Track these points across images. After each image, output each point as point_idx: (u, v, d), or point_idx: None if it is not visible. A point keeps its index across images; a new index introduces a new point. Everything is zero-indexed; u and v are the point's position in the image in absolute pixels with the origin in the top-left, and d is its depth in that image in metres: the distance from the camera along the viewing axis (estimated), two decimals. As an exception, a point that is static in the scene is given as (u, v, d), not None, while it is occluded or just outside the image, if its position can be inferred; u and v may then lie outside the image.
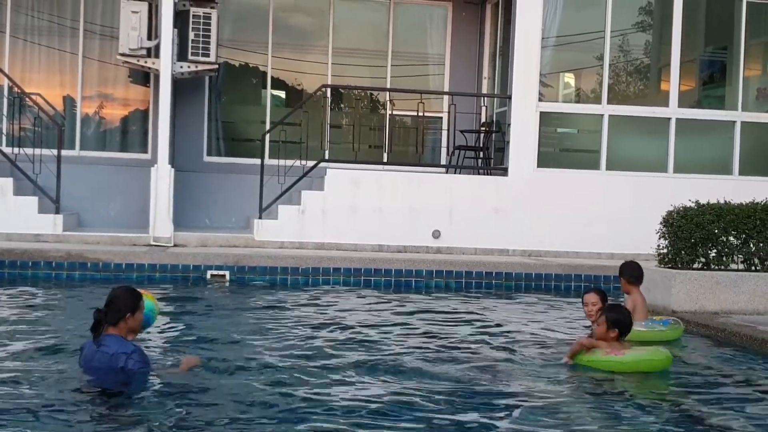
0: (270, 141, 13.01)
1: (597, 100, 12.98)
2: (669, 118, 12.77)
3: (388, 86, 14.04)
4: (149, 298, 5.74)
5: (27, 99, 12.39)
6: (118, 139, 13.95)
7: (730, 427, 4.66)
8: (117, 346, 4.99)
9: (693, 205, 8.51)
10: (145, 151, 13.61)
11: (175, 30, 11.79)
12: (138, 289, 5.37)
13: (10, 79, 12.39)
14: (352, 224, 12.02)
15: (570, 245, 12.25)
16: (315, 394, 5.03)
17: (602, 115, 12.69)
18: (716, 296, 8.09)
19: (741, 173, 12.81)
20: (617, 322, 5.90)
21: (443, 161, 13.75)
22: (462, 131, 13.05)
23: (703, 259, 8.38)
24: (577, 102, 13.73)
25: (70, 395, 4.79)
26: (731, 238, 8.37)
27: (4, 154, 11.87)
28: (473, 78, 14.46)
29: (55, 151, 11.74)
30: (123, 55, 12.07)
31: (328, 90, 13.45)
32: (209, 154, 13.89)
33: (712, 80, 14.04)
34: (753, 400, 5.34)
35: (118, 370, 4.94)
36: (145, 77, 13.66)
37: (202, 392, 4.92)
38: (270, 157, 12.63)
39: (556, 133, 13.37)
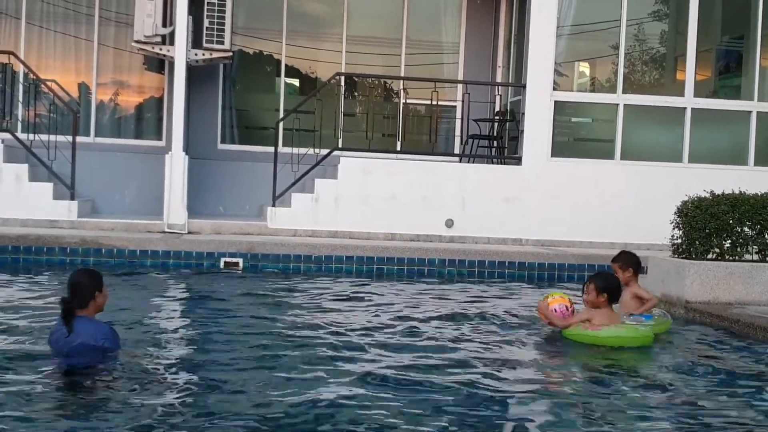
0: (284, 129, 13.02)
1: (612, 89, 12.92)
2: (684, 108, 12.70)
3: (402, 74, 14.01)
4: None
5: (42, 85, 12.45)
6: (132, 126, 14.00)
7: (741, 418, 4.67)
8: (92, 327, 5.13)
9: (707, 195, 8.46)
10: (160, 139, 13.65)
11: (190, 17, 11.80)
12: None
13: (25, 65, 12.44)
14: (365, 213, 12.03)
15: (584, 235, 12.23)
16: (315, 367, 5.14)
17: (617, 105, 12.64)
18: (730, 287, 8.05)
19: (756, 163, 12.74)
20: (606, 288, 6.43)
21: (457, 150, 13.73)
22: (476, 120, 13.02)
23: (717, 250, 8.34)
24: (592, 91, 13.68)
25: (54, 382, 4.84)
26: (746, 229, 8.32)
27: (20, 141, 11.93)
28: (487, 66, 14.41)
29: (70, 138, 11.80)
30: (138, 42, 12.09)
31: (342, 78, 13.45)
32: (223, 141, 13.92)
33: (728, 70, 13.95)
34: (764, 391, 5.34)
35: (96, 348, 5.09)
36: (159, 64, 13.69)
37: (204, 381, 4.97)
38: (283, 145, 12.64)
39: (571, 123, 13.33)
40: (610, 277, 6.76)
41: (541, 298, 6.94)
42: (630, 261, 7.41)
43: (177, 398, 4.51)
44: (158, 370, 5.11)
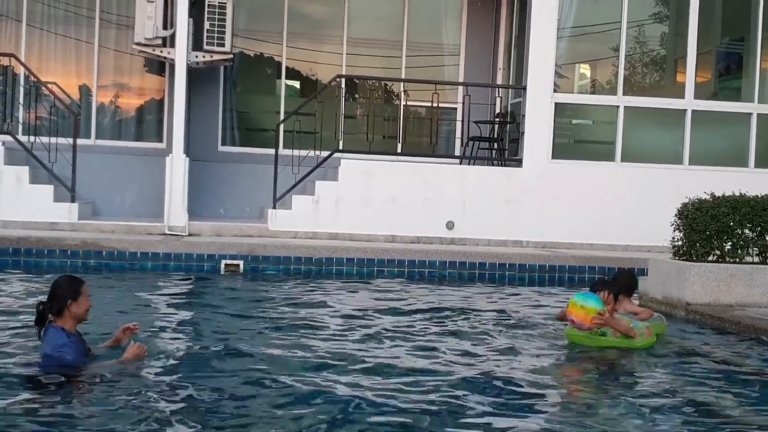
0: (284, 131, 13.01)
1: (612, 91, 12.92)
2: (685, 110, 12.70)
3: (403, 76, 14.01)
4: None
5: (43, 88, 12.46)
6: (133, 129, 14.01)
7: (742, 419, 4.67)
8: (53, 338, 4.96)
9: (708, 197, 8.47)
10: (160, 141, 13.66)
11: (191, 19, 11.81)
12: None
13: (26, 68, 12.45)
14: (366, 215, 12.03)
15: (584, 237, 12.22)
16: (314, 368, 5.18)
17: (617, 107, 12.64)
18: (731, 289, 8.05)
19: (757, 165, 12.73)
20: (618, 292, 6.66)
21: (457, 152, 13.72)
22: (476, 122, 13.03)
23: (718, 252, 8.34)
24: (593, 93, 13.69)
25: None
26: (746, 231, 8.32)
27: (21, 143, 11.94)
28: (488, 68, 14.42)
29: (70, 140, 11.80)
30: (138, 44, 12.10)
31: (343, 80, 13.46)
32: (224, 143, 13.93)
33: (728, 72, 13.95)
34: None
35: (56, 360, 4.91)
36: (160, 67, 13.70)
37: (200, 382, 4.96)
38: (284, 147, 12.64)
39: (571, 125, 13.33)
40: (612, 281, 6.90)
41: (589, 305, 6.22)
42: (619, 285, 7.07)
43: (168, 405, 4.49)
44: (150, 375, 5.04)
